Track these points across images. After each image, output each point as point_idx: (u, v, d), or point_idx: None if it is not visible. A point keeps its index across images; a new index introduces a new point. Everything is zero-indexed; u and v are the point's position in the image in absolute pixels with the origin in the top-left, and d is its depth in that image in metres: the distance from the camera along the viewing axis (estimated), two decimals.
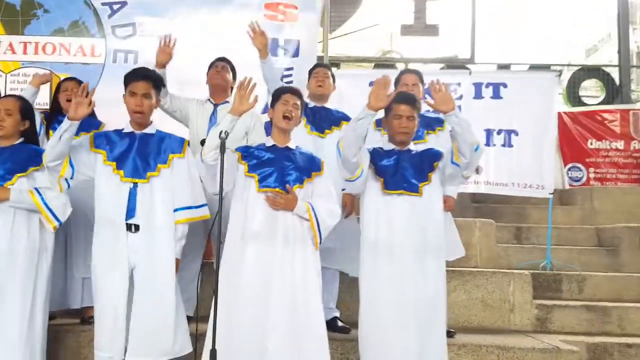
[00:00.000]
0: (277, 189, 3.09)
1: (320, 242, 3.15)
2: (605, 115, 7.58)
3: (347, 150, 3.08)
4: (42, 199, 3.13)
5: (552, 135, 5.25)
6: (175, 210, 3.17)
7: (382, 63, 7.94)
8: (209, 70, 4.12)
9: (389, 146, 3.31)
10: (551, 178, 5.25)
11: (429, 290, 3.11)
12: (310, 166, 3.20)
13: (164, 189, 3.17)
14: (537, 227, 6.01)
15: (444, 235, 3.25)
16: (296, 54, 4.92)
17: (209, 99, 4.10)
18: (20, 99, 3.37)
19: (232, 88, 4.09)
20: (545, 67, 7.78)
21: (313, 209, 3.10)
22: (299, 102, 3.21)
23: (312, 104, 4.09)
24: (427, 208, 3.19)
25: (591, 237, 6.03)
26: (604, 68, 8.62)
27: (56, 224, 3.16)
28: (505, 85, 5.21)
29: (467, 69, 6.90)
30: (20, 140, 3.28)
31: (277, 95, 3.22)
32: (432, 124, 3.95)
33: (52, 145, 3.08)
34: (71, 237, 3.83)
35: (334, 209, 3.17)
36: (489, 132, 5.26)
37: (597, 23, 9.34)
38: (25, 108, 3.30)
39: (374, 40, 8.95)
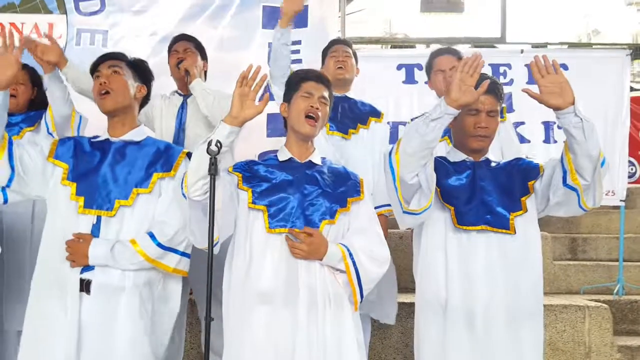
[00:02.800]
0: (296, 230, 2.06)
1: (361, 301, 2.15)
2: None
3: (406, 165, 2.04)
4: None
5: (625, 127, 4.25)
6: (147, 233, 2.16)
7: (400, 45, 6.94)
8: (168, 56, 3.11)
9: (458, 156, 2.27)
10: (624, 181, 4.25)
11: None
12: (344, 190, 2.17)
13: (141, 224, 2.17)
14: (595, 238, 5.03)
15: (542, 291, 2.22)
16: (304, 23, 3.82)
17: (176, 91, 3.11)
18: None
19: (205, 72, 3.12)
20: (587, 47, 6.74)
21: (350, 255, 2.08)
22: (327, 94, 2.18)
23: None
24: (522, 251, 2.16)
25: None
26: None
27: None
28: (565, 67, 4.15)
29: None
30: None
31: (294, 82, 2.18)
32: None
33: None
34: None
35: (380, 252, 2.16)
36: (547, 126, 4.26)
37: None
38: None
39: (387, 18, 7.89)
